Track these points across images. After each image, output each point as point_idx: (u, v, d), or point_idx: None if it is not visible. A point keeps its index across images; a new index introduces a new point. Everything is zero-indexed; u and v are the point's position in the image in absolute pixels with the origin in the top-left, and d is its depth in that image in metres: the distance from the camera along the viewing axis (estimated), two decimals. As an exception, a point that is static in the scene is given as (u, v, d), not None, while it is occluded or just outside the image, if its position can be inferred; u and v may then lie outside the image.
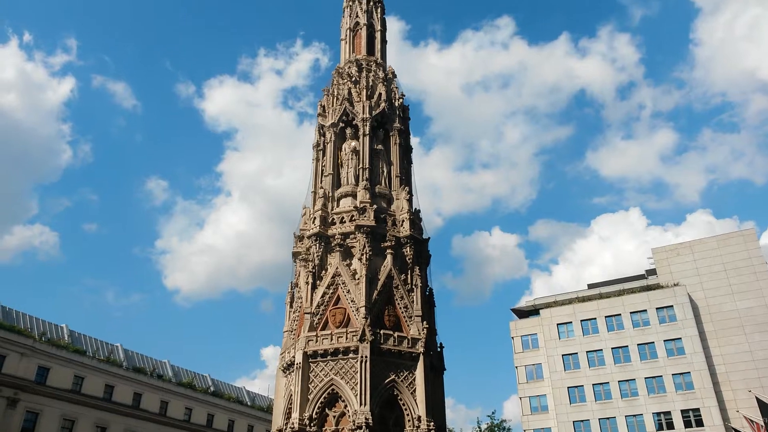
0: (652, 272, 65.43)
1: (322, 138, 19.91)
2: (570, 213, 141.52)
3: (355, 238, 15.36)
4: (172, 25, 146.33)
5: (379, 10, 24.21)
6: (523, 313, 68.69)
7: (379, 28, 23.81)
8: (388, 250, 15.35)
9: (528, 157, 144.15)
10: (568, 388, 58.50)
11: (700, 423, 52.14)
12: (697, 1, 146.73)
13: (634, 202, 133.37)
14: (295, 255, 16.65)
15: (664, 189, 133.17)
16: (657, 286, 60.89)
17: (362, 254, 14.88)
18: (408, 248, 15.72)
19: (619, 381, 56.79)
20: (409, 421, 12.79)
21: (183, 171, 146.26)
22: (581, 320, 61.05)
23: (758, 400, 29.40)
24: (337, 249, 15.30)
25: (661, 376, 55.25)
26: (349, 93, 20.21)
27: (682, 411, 53.19)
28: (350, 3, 24.13)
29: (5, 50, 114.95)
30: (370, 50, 22.99)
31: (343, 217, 16.06)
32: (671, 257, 62.52)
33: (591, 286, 69.18)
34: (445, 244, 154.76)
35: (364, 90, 20.25)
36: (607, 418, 56.00)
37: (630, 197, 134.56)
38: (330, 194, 17.48)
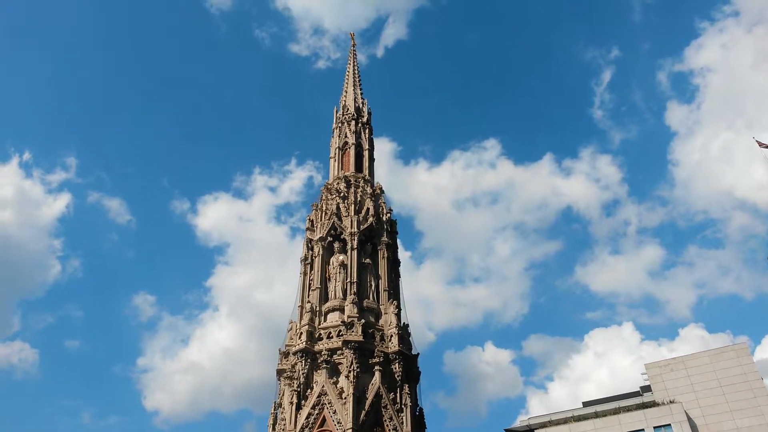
0: (647, 389, 63.70)
1: (310, 252, 19.97)
2: (563, 328, 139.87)
3: (342, 354, 14.95)
4: (172, 143, 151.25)
5: (367, 131, 25.38)
6: (517, 434, 65.73)
7: (366, 147, 24.83)
8: (377, 367, 14.89)
9: (518, 272, 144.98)
10: None
11: None
12: (673, 125, 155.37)
13: (627, 316, 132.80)
14: (280, 373, 16.08)
15: (654, 304, 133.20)
16: (653, 404, 58.99)
17: (349, 371, 14.41)
18: (397, 365, 15.28)
19: (622, 508, 53.37)
20: None
21: (172, 286, 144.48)
22: (577, 441, 58.42)
23: None
24: (324, 366, 14.83)
25: (666, 504, 52.09)
26: (338, 208, 20.57)
27: None
28: (339, 124, 25.32)
29: (5, 168, 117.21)
30: (359, 168, 23.76)
31: (330, 332, 15.73)
32: (665, 373, 61.16)
33: (586, 404, 66.88)
34: (437, 360, 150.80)
35: (353, 205, 20.65)
36: None
37: (622, 312, 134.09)
38: (317, 308, 17.23)
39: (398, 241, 22.11)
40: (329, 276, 18.80)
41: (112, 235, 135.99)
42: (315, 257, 19.46)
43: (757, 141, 39.49)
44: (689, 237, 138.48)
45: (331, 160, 24.30)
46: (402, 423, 13.97)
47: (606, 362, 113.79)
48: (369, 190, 22.26)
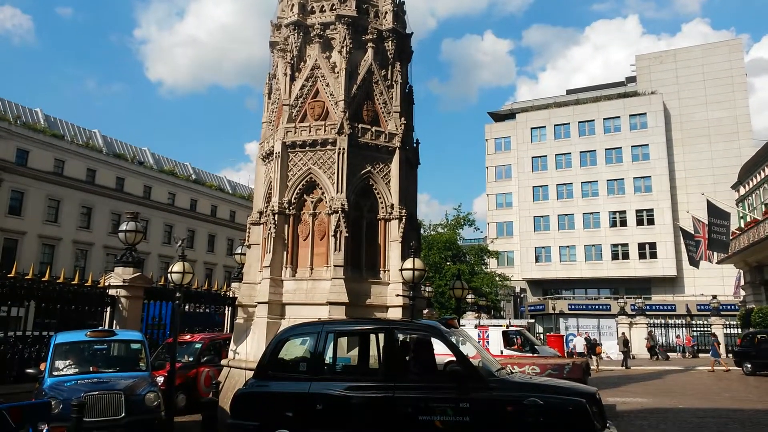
0: (632, 79, 65.35)
1: None
2: (567, 18, 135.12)
3: (335, 29, 14.84)
4: None
5: None
6: (500, 117, 69.51)
7: None
8: (369, 44, 14.95)
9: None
10: (533, 187, 61.76)
11: (651, 222, 56.58)
12: None
13: (634, 9, 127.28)
14: (273, 45, 16.15)
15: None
16: (634, 94, 61.35)
17: (342, 47, 14.51)
18: (390, 43, 15.31)
19: (582, 182, 59.96)
20: (382, 208, 13.72)
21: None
22: (555, 125, 62.32)
23: (708, 203, 31.70)
24: (317, 40, 14.85)
25: (623, 179, 58.36)
26: None
27: (637, 211, 57.32)
28: None
29: None
30: None
31: (323, 6, 15.32)
32: (653, 65, 62.05)
33: (570, 92, 69.35)
34: (435, 48, 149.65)
35: None
36: (566, 215, 60.20)
37: (630, 4, 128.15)
38: (309, -21, 16.46)
39: None
40: (321, -57, 17.43)
41: None
42: None
43: None
44: None
45: None
46: (392, 98, 14.70)
47: (602, 54, 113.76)
48: None
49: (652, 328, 38.89)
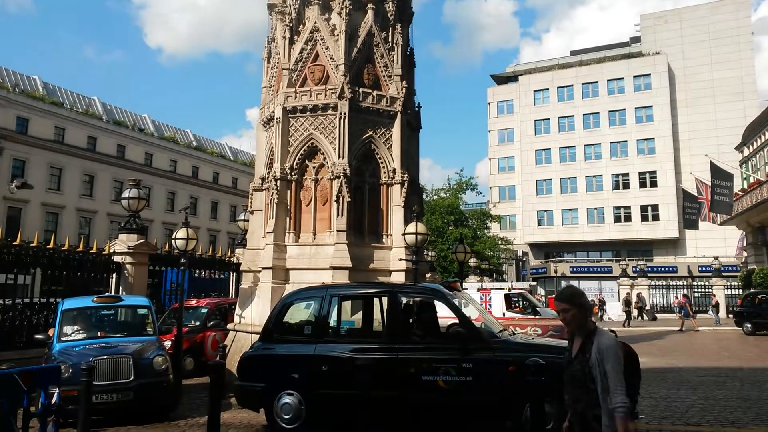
0: (636, 40, 64.30)
1: None
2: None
3: (334, -9, 14.56)
4: None
5: None
6: (502, 80, 68.68)
7: None
8: (369, 5, 14.65)
9: None
10: (535, 150, 61.41)
11: (654, 184, 56.40)
12: None
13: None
14: (271, 7, 15.85)
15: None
16: (638, 54, 60.44)
17: (342, 8, 14.23)
18: (390, 4, 15.01)
19: (585, 145, 59.57)
20: (384, 172, 13.67)
21: None
22: (558, 87, 61.60)
23: (711, 164, 31.52)
24: (316, 2, 14.56)
25: (626, 141, 57.95)
26: None
27: (640, 173, 57.08)
28: None
29: None
30: None
31: (321, -34, 15.00)
32: (658, 24, 60.95)
33: (573, 53, 68.33)
34: (437, 10, 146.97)
35: None
36: (569, 178, 60.00)
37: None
38: (307, -61, 16.05)
39: None
40: None
41: None
42: None
43: None
44: None
45: None
46: (393, 61, 14.49)
47: (606, 14, 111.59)
48: None
49: (641, 291, 39.20)
